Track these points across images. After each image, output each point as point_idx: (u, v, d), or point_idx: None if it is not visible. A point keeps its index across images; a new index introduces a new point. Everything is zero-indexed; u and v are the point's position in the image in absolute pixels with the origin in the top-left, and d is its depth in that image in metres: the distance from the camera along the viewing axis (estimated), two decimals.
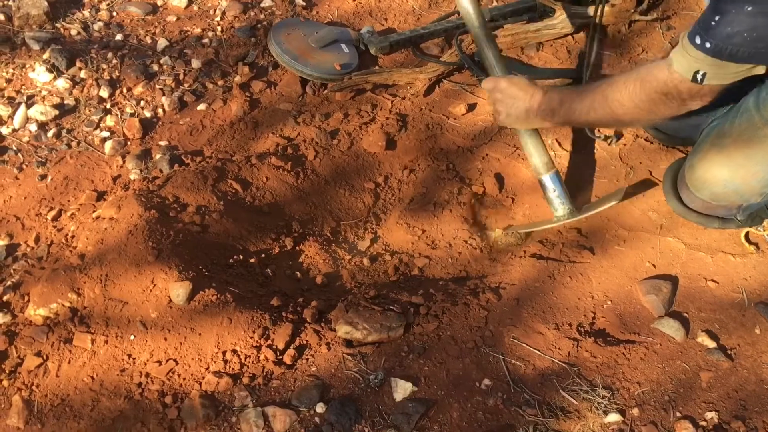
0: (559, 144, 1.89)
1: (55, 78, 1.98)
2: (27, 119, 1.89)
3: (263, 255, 1.62)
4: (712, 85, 1.30)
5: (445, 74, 2.06)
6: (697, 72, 1.28)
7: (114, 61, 2.05)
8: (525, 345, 1.44)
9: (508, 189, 1.84)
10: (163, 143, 1.87)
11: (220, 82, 2.04)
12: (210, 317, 1.40)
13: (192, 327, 1.40)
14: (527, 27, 2.13)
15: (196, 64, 2.07)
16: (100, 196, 1.72)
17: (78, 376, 1.36)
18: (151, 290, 1.43)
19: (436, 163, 1.85)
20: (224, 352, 1.37)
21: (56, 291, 1.44)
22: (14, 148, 1.83)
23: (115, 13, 2.21)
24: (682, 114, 1.41)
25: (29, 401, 1.33)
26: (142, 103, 1.97)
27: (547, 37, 2.15)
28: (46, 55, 2.01)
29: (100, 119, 1.92)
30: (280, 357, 1.39)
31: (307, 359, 1.40)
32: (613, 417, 1.34)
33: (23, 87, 1.96)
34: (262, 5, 2.26)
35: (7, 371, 1.38)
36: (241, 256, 1.59)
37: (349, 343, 1.42)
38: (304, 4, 2.28)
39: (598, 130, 1.89)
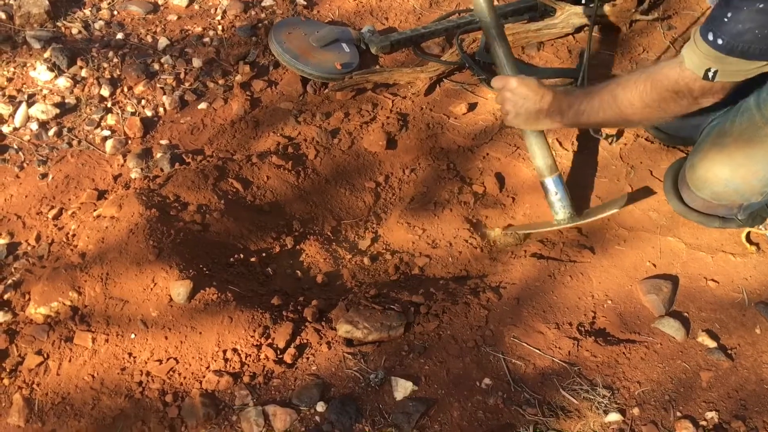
0: (560, 143, 1.89)
1: (56, 77, 1.98)
2: (28, 118, 1.89)
3: (264, 254, 1.62)
4: (723, 82, 1.30)
5: (445, 74, 2.06)
6: (708, 69, 1.28)
7: (115, 60, 2.05)
8: (525, 344, 1.44)
9: (508, 188, 1.84)
10: (164, 142, 1.88)
11: (220, 81, 2.04)
12: (211, 316, 1.41)
13: (192, 326, 1.40)
14: (528, 26, 2.13)
15: (197, 63, 2.07)
16: (101, 194, 1.72)
17: (79, 374, 1.36)
18: (151, 289, 1.43)
19: (436, 163, 1.85)
20: (225, 351, 1.37)
21: (57, 290, 1.44)
22: (15, 147, 1.83)
23: (116, 12, 2.21)
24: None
25: (30, 400, 1.33)
26: (143, 102, 1.97)
27: (548, 37, 2.15)
28: (47, 54, 2.01)
29: (101, 118, 1.92)
30: (281, 356, 1.39)
31: (308, 358, 1.40)
32: (614, 416, 1.34)
33: (24, 86, 1.96)
34: (263, 4, 2.26)
35: (7, 370, 1.38)
36: (242, 255, 1.59)
37: (349, 342, 1.42)
38: (305, 3, 2.28)
39: (601, 129, 1.89)
